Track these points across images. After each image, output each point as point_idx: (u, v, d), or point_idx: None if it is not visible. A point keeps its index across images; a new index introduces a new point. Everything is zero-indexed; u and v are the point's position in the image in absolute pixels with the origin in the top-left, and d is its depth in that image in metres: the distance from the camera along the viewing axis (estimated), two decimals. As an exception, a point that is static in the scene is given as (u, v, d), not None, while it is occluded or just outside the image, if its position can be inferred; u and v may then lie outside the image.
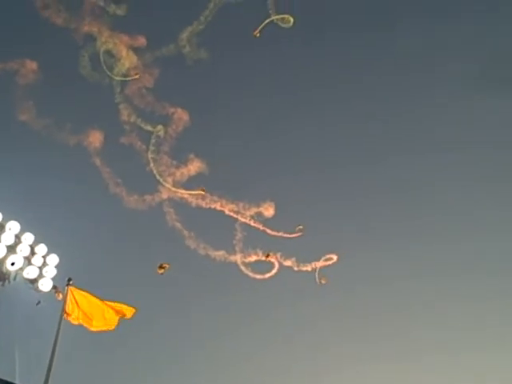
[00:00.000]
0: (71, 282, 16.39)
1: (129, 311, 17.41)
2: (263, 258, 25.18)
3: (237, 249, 24.44)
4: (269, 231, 25.21)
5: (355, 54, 32.92)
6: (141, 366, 29.06)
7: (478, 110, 33.51)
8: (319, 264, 26.11)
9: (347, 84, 33.15)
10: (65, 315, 15.99)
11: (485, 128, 33.18)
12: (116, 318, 17.13)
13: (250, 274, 24.80)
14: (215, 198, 24.73)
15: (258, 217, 25.02)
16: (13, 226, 14.27)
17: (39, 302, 14.87)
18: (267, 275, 25.12)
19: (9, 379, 7.87)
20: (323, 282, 25.47)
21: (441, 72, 33.20)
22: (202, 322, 30.57)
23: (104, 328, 17.07)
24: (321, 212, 32.42)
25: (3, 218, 14.17)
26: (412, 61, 32.78)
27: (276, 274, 25.08)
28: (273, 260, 25.53)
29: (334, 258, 26.62)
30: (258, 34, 23.63)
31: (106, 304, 17.15)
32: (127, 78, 23.55)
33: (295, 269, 25.51)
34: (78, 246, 21.07)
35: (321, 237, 29.97)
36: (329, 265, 26.30)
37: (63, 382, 15.01)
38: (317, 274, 25.63)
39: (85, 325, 16.78)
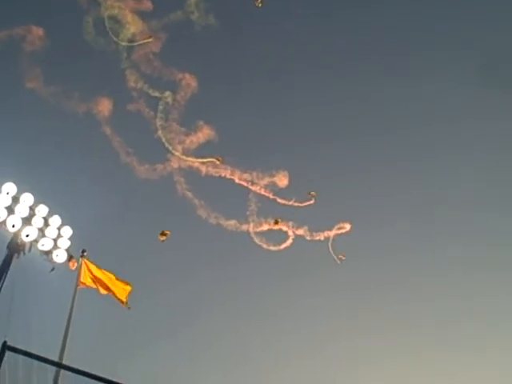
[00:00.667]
0: (85, 254, 16.67)
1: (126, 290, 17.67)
2: (273, 226, 25.19)
3: (249, 219, 24.43)
4: (280, 200, 25.15)
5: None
6: (152, 331, 29.51)
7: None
8: (332, 233, 26.02)
9: (357, 61, 32.71)
10: (79, 284, 16.33)
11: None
12: (125, 293, 17.44)
13: (264, 245, 24.83)
14: (227, 166, 24.57)
15: (272, 186, 24.93)
16: (27, 199, 14.36)
17: (53, 269, 15.05)
18: (281, 246, 25.14)
19: (25, 348, 8.07)
20: (342, 258, 25.44)
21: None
22: (213, 291, 30.79)
23: (117, 296, 17.39)
24: (335, 181, 32.28)
25: (18, 191, 14.26)
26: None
27: (289, 245, 25.11)
28: (283, 228, 25.48)
29: (347, 226, 26.50)
30: (260, 4, 23.12)
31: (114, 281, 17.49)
32: (137, 43, 23.10)
33: (308, 238, 25.48)
34: (90, 217, 21.13)
35: (334, 206, 29.86)
36: (342, 234, 26.24)
37: (78, 351, 15.32)
38: (331, 248, 25.56)
39: (99, 288, 17.13)
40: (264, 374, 30.05)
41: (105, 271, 17.00)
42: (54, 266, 15.05)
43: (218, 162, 24.07)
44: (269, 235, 24.89)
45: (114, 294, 16.92)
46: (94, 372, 8.70)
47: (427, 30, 32.92)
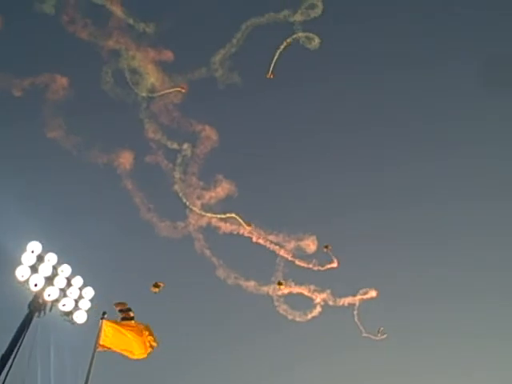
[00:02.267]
0: (105, 316, 16.53)
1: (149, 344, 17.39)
2: (278, 288, 24.47)
3: (270, 280, 23.79)
4: (299, 262, 24.50)
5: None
6: None
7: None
8: (357, 298, 25.15)
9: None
10: (99, 347, 16.09)
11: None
12: (148, 347, 17.15)
13: (288, 315, 24.00)
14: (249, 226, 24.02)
15: (298, 251, 24.40)
16: (51, 258, 14.43)
17: None
18: (307, 316, 24.36)
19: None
20: (381, 335, 24.56)
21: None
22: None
23: (137, 356, 17.11)
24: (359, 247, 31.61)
25: (42, 249, 14.36)
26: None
27: (317, 314, 24.29)
28: (305, 292, 24.75)
29: (374, 293, 25.64)
30: (271, 76, 23.57)
31: (137, 335, 17.22)
32: (162, 92, 23.01)
33: (330, 303, 24.63)
34: (112, 275, 21.07)
35: (358, 271, 29.17)
36: (367, 299, 25.35)
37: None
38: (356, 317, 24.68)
39: (119, 351, 16.85)
40: None
41: (126, 328, 16.80)
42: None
43: (248, 228, 23.74)
44: (292, 300, 24.22)
45: (133, 352, 16.67)
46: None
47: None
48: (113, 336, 16.70)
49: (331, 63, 31.85)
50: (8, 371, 11.95)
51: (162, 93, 23.20)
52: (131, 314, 20.67)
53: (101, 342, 15.93)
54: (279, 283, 24.12)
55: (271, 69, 23.15)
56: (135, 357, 17.13)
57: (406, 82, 33.40)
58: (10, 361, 12.13)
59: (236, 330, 29.90)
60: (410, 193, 33.01)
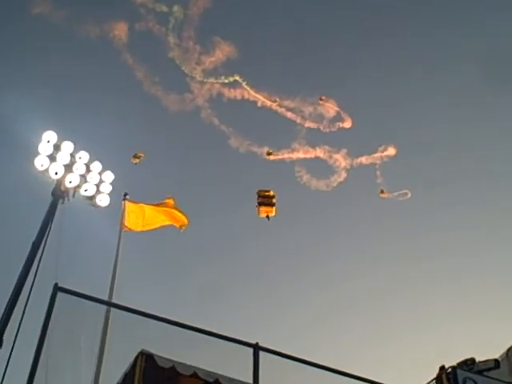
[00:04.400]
0: (127, 197, 17.10)
1: (182, 220, 18.06)
2: (268, 157, 24.15)
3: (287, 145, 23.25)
4: (308, 124, 23.93)
5: None
6: (196, 263, 29.61)
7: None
8: (377, 156, 24.76)
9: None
10: (124, 227, 16.82)
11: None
12: (183, 219, 17.83)
13: (308, 180, 23.89)
14: (251, 87, 23.23)
15: (318, 116, 23.77)
16: (67, 146, 14.66)
17: None
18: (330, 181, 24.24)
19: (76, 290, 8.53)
20: (383, 194, 24.54)
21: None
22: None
23: (173, 223, 17.85)
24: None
25: (58, 139, 14.57)
26: None
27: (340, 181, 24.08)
28: (322, 155, 24.37)
29: (392, 151, 25.20)
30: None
31: (164, 210, 17.87)
32: None
33: (348, 164, 24.27)
34: (129, 159, 21.18)
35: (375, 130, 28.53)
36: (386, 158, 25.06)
37: (125, 292, 15.93)
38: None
39: (149, 227, 17.63)
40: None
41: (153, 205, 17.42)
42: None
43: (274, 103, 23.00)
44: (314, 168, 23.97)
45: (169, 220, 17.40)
46: (142, 309, 9.10)
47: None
48: (140, 214, 17.35)
49: None
50: (41, 257, 12.55)
51: None
52: (273, 201, 21.26)
53: (125, 223, 16.64)
54: (268, 153, 23.89)
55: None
56: (173, 223, 17.67)
57: None
58: (41, 247, 12.68)
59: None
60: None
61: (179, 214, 17.89)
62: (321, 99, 24.53)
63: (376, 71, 30.48)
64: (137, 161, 21.17)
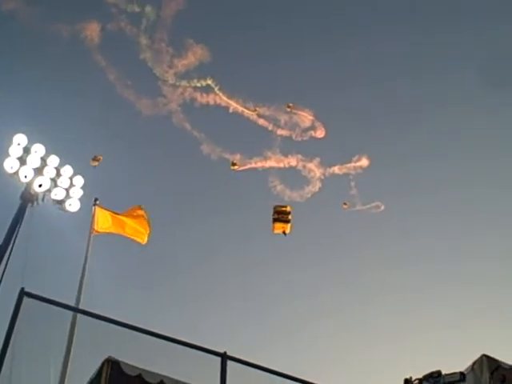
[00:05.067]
0: (97, 202, 16.96)
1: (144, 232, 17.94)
2: (232, 167, 23.92)
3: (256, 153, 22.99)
4: (280, 132, 23.69)
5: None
6: (165, 270, 29.29)
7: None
8: (350, 166, 24.69)
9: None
10: (93, 232, 16.66)
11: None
12: (145, 232, 17.73)
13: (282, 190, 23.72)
14: (224, 93, 22.91)
15: (293, 125, 23.59)
16: (38, 149, 14.47)
17: None
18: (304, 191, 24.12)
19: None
20: (346, 206, 24.56)
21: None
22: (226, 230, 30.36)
23: (135, 237, 17.74)
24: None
25: (28, 141, 14.36)
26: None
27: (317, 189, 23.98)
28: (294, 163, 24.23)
29: (366, 161, 25.22)
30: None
31: (131, 221, 17.75)
32: None
33: (321, 173, 24.15)
34: (101, 164, 20.94)
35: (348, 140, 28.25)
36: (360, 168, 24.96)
37: (93, 299, 15.74)
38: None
39: (116, 232, 17.49)
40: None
41: (120, 215, 17.31)
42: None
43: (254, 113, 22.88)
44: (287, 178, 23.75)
45: (130, 234, 17.29)
46: (109, 316, 8.98)
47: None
48: (106, 220, 17.22)
49: None
50: (7, 260, 12.34)
51: None
52: (288, 218, 21.01)
53: (95, 227, 16.50)
54: (233, 163, 23.73)
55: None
56: (134, 238, 17.66)
57: None
58: (8, 251, 12.48)
59: (225, 204, 29.87)
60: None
61: (142, 229, 17.72)
62: (288, 106, 24.42)
63: (351, 81, 30.61)
64: (95, 163, 21.00)
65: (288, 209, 21.18)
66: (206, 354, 9.34)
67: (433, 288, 29.50)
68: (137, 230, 17.47)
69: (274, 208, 21.19)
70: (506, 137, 31.63)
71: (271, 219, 21.06)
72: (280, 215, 21.12)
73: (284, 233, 21.19)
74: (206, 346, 9.35)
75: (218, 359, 9.42)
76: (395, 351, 27.16)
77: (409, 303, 29.31)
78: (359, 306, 29.49)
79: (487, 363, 12.40)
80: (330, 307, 29.39)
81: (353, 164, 25.37)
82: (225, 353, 9.59)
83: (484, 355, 12.53)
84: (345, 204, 24.57)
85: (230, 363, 9.45)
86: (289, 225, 21.10)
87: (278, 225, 21.07)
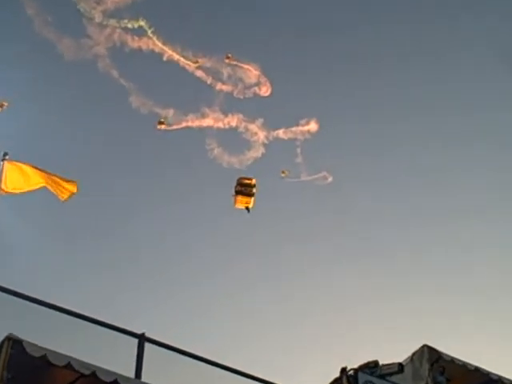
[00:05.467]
0: (7, 157, 15.30)
1: (71, 186, 16.53)
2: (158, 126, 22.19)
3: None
4: (219, 87, 22.19)
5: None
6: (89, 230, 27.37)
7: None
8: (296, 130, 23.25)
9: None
10: (1, 191, 15.07)
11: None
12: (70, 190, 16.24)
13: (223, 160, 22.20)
14: (158, 38, 21.07)
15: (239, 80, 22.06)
16: None
17: None
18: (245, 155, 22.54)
19: None
20: (284, 174, 22.87)
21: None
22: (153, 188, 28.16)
23: (57, 191, 16.22)
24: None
25: None
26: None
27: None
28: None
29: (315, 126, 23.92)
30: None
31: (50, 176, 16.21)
32: None
33: (264, 135, 22.76)
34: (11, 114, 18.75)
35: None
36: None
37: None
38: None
39: (29, 188, 15.90)
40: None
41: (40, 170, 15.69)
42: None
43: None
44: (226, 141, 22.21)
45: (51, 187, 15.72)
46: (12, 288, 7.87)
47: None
48: (17, 177, 15.64)
49: None
50: None
51: None
52: (253, 191, 19.08)
53: (2, 186, 14.89)
54: (160, 122, 21.70)
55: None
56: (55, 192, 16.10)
57: None
58: None
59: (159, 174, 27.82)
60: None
61: (69, 186, 16.25)
62: (227, 57, 22.44)
63: (305, 32, 27.87)
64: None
65: (253, 182, 19.86)
66: (124, 336, 8.44)
67: (374, 277, 28.30)
68: (60, 185, 15.91)
69: (238, 180, 19.84)
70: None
71: (233, 191, 19.58)
72: (243, 188, 19.79)
73: (247, 208, 19.90)
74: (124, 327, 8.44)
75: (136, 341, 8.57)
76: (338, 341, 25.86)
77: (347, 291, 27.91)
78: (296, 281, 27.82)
79: (428, 354, 12.21)
80: (254, 281, 27.65)
81: (300, 128, 23.36)
82: (143, 334, 8.72)
83: (425, 345, 12.32)
84: (283, 172, 22.59)
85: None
86: (252, 199, 19.80)
87: (241, 198, 19.73)
